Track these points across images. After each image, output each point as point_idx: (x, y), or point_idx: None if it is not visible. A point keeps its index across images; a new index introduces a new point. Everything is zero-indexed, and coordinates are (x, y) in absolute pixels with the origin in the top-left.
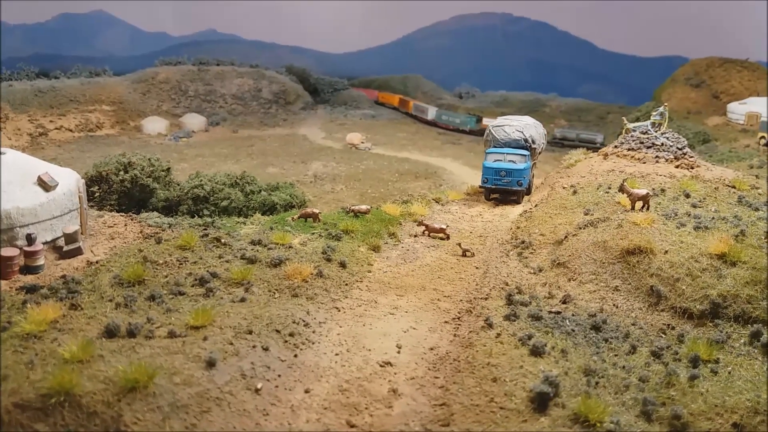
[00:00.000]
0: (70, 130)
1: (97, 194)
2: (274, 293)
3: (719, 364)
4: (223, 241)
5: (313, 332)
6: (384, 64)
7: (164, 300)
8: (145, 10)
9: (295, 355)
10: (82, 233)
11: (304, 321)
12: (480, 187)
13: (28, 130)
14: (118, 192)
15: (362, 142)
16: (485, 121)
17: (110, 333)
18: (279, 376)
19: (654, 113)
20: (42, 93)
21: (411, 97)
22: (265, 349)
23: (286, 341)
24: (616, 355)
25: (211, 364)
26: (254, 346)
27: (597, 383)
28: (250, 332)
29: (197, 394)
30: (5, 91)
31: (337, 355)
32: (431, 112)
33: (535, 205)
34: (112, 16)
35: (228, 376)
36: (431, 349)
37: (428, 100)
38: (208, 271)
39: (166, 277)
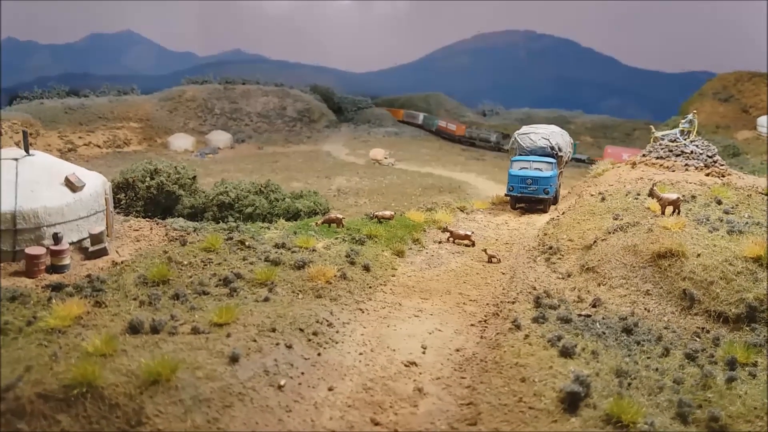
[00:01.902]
0: (98, 146)
1: (123, 201)
2: (298, 294)
3: (757, 367)
4: (247, 243)
5: (337, 332)
6: (406, 83)
7: (188, 299)
8: (173, 30)
9: (319, 354)
10: (107, 235)
11: (327, 321)
12: (505, 195)
13: (57, 146)
14: (145, 198)
15: (385, 158)
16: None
17: (134, 329)
18: (302, 373)
19: (683, 121)
20: (72, 110)
21: (434, 114)
22: (289, 347)
23: (309, 340)
24: (648, 358)
25: (234, 359)
26: (277, 344)
27: (629, 384)
28: (274, 330)
29: (220, 389)
30: (36, 109)
31: (361, 354)
32: (420, 118)
33: (563, 213)
34: (139, 35)
35: (251, 372)
36: (457, 350)
37: (451, 117)
38: (232, 271)
39: (191, 277)
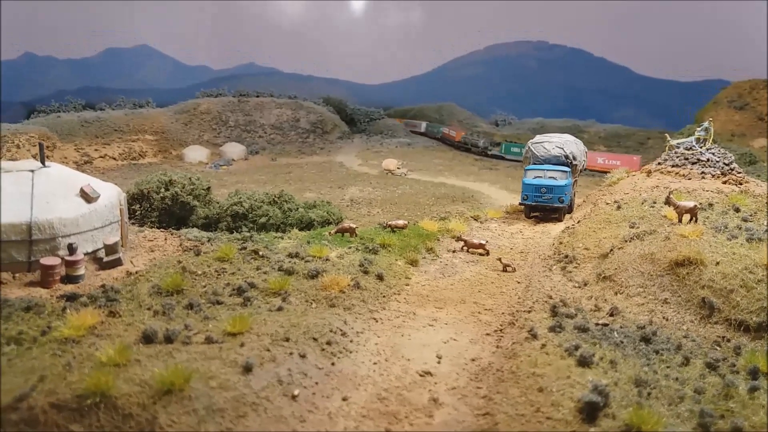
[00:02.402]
0: (114, 159)
1: (138, 212)
2: (311, 303)
3: None
4: (261, 253)
5: (351, 341)
6: (419, 94)
7: (202, 308)
8: (188, 44)
9: (333, 363)
10: (122, 245)
11: (341, 330)
12: (520, 204)
13: (74, 159)
14: (159, 209)
15: (398, 168)
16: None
17: (147, 339)
18: (316, 383)
19: (698, 129)
20: (88, 123)
21: (446, 125)
22: (302, 357)
23: (323, 349)
24: (668, 367)
25: (247, 369)
26: (291, 354)
27: (649, 394)
28: (287, 339)
29: (233, 399)
30: (53, 122)
31: (375, 364)
32: (422, 126)
33: (578, 222)
34: (155, 50)
35: (265, 381)
36: (473, 359)
37: (464, 128)
38: (245, 281)
39: (205, 287)
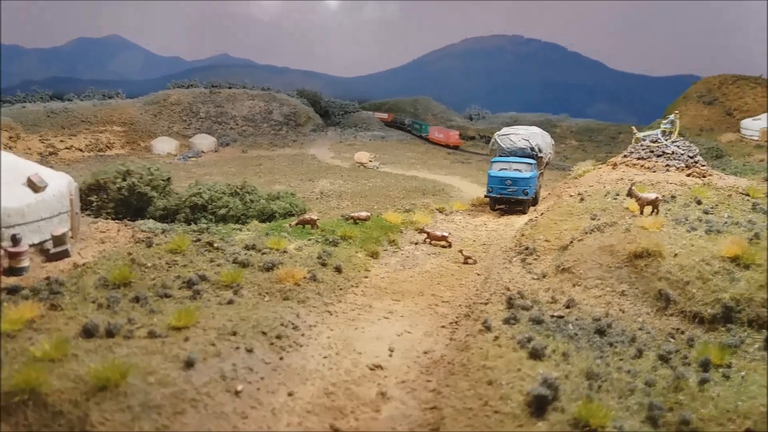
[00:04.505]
0: (80, 150)
1: (95, 203)
2: (264, 296)
3: (731, 368)
4: (215, 245)
5: (302, 335)
6: (395, 87)
7: (149, 301)
8: (160, 34)
9: (281, 358)
10: (72, 237)
11: (293, 324)
12: (485, 196)
13: (38, 150)
14: (116, 200)
15: (370, 161)
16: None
17: (88, 333)
18: (262, 378)
19: (664, 122)
20: (54, 114)
21: (422, 119)
22: (249, 351)
23: (272, 343)
24: (621, 359)
25: (189, 364)
26: (237, 348)
27: (600, 387)
28: (234, 334)
29: (172, 395)
30: (18, 113)
31: (325, 358)
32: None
33: (541, 213)
34: (126, 40)
35: (207, 377)
36: (425, 352)
37: (439, 122)
38: (197, 273)
39: (154, 279)
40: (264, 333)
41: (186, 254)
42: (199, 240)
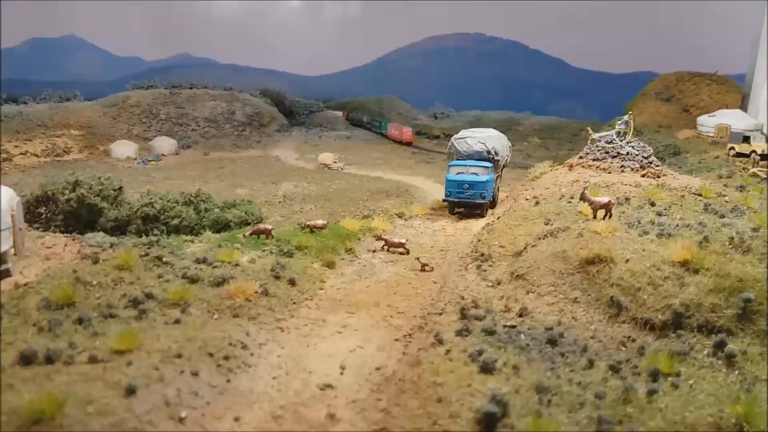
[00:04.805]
0: (36, 155)
1: (44, 215)
2: (213, 314)
3: (680, 377)
4: (164, 260)
5: (251, 355)
6: (359, 86)
7: (92, 323)
8: (118, 34)
9: (228, 380)
10: (15, 254)
11: (242, 343)
12: (443, 200)
13: None
14: (65, 212)
15: (335, 162)
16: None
17: (26, 360)
18: (207, 403)
19: (619, 123)
20: (8, 118)
21: (385, 118)
22: (195, 374)
23: (219, 365)
24: (572, 371)
25: (131, 391)
26: (182, 371)
27: (550, 401)
28: (180, 356)
29: (111, 425)
30: None
31: (274, 378)
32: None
33: (498, 218)
34: (83, 40)
35: (149, 404)
36: (377, 369)
37: (404, 120)
38: (143, 291)
39: (99, 298)
40: (211, 354)
41: (133, 270)
42: (147, 254)
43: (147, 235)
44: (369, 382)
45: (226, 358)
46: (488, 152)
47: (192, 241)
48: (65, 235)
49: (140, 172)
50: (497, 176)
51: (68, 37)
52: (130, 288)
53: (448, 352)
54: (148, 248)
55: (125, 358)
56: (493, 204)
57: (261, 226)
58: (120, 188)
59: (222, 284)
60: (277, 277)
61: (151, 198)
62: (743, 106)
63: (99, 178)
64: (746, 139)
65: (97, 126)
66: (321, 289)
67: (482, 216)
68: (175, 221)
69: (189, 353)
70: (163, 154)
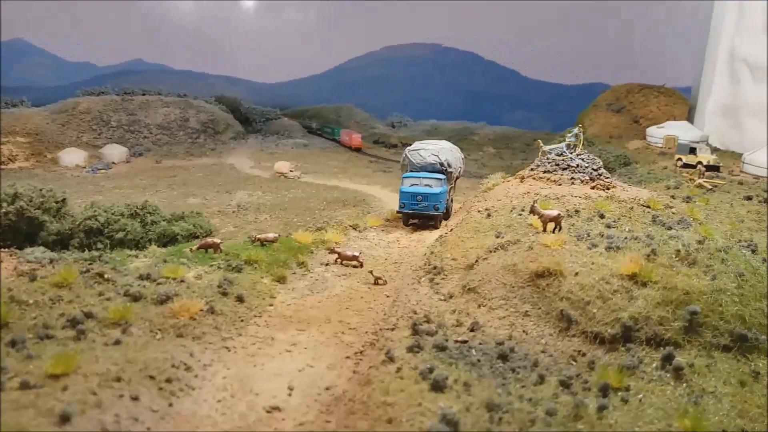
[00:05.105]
0: None
1: None
2: (156, 334)
3: (630, 391)
4: (106, 276)
5: (195, 376)
6: (317, 94)
7: (26, 345)
8: (69, 39)
9: (170, 404)
10: None
11: (185, 364)
12: (397, 212)
13: None
14: (3, 226)
15: (291, 171)
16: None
17: None
18: (148, 429)
19: (569, 135)
20: None
21: (343, 126)
22: (135, 399)
23: (161, 388)
24: (523, 387)
25: (65, 418)
26: (121, 396)
27: (500, 419)
28: (119, 379)
29: None
30: None
31: (219, 401)
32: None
33: (451, 230)
34: (32, 45)
35: None
36: (327, 389)
37: (361, 129)
38: (82, 310)
39: (35, 318)
40: (152, 377)
41: (73, 288)
42: (89, 270)
43: (90, 249)
44: (318, 403)
45: (169, 380)
46: (441, 164)
47: (136, 256)
48: (3, 249)
49: (89, 181)
50: (451, 188)
51: (16, 42)
52: (69, 307)
53: (399, 369)
54: (90, 264)
55: (60, 383)
56: (447, 215)
57: (209, 239)
58: (63, 200)
59: (166, 302)
60: (225, 294)
61: (95, 210)
62: (690, 118)
63: (40, 189)
64: (692, 151)
65: (44, 133)
66: (270, 305)
67: (436, 227)
68: (120, 235)
69: (129, 376)
70: (113, 162)
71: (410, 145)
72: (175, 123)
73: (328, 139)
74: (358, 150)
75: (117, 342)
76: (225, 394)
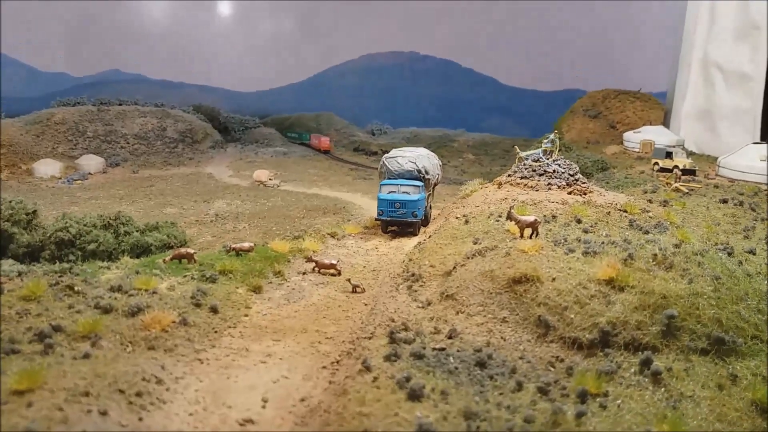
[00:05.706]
0: None
1: None
2: (126, 347)
3: (608, 397)
4: (76, 288)
5: (167, 390)
6: (296, 102)
7: None
8: (42, 49)
9: (140, 419)
10: None
11: (156, 377)
12: (376, 219)
13: None
14: None
15: (270, 179)
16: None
17: None
18: None
19: (545, 141)
20: None
21: (324, 134)
22: (103, 414)
23: (131, 402)
24: (501, 394)
25: None
26: (89, 411)
27: (478, 427)
28: (87, 394)
29: None
30: None
31: (191, 415)
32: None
33: (429, 237)
34: (5, 55)
35: None
36: (302, 400)
37: (341, 137)
38: (51, 324)
39: (0, 333)
40: (122, 391)
41: (42, 301)
42: (58, 283)
43: (61, 262)
44: (293, 415)
45: (139, 394)
46: (419, 171)
47: (108, 268)
48: None
49: (64, 192)
50: (428, 195)
51: None
52: (37, 320)
53: (375, 379)
54: (60, 276)
55: (25, 399)
56: (425, 222)
57: (182, 249)
58: (34, 212)
59: (137, 314)
60: (198, 305)
61: (67, 222)
62: (665, 123)
63: (10, 201)
64: (669, 155)
65: (19, 144)
66: (245, 315)
67: (415, 234)
68: (92, 246)
69: (98, 390)
70: (89, 173)
71: (385, 154)
72: (153, 132)
73: (298, 144)
74: (327, 152)
75: (86, 355)
76: (197, 407)
